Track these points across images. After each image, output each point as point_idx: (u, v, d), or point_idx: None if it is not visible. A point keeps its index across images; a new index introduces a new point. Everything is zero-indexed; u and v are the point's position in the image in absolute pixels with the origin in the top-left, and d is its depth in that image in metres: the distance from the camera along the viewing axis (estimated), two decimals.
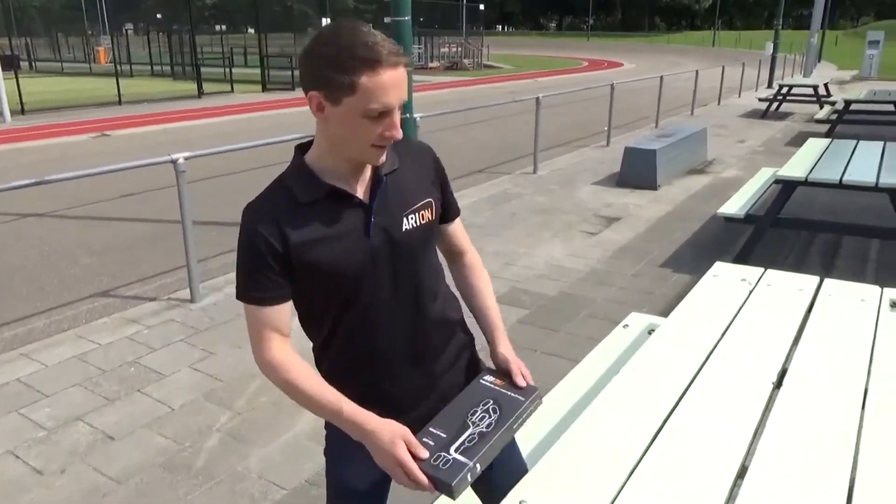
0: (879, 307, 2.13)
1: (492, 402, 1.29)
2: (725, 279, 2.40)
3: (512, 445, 1.46)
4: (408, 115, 5.18)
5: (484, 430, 1.22)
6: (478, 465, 1.17)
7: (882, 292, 2.25)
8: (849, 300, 2.19)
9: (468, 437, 1.20)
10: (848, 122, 10.44)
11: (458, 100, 16.25)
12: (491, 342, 1.44)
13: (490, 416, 1.25)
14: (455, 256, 1.53)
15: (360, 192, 1.27)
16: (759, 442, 1.45)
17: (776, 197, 4.72)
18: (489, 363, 1.43)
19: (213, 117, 13.28)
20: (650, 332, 2.47)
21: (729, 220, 4.83)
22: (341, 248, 1.24)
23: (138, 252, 5.17)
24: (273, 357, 1.25)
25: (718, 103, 14.49)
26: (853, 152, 5.34)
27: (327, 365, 1.37)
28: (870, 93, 11.29)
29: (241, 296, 1.26)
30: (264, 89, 18.51)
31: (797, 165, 4.94)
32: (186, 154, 3.83)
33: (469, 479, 1.15)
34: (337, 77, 1.14)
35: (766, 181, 5.46)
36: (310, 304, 1.32)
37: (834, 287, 2.30)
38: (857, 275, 4.50)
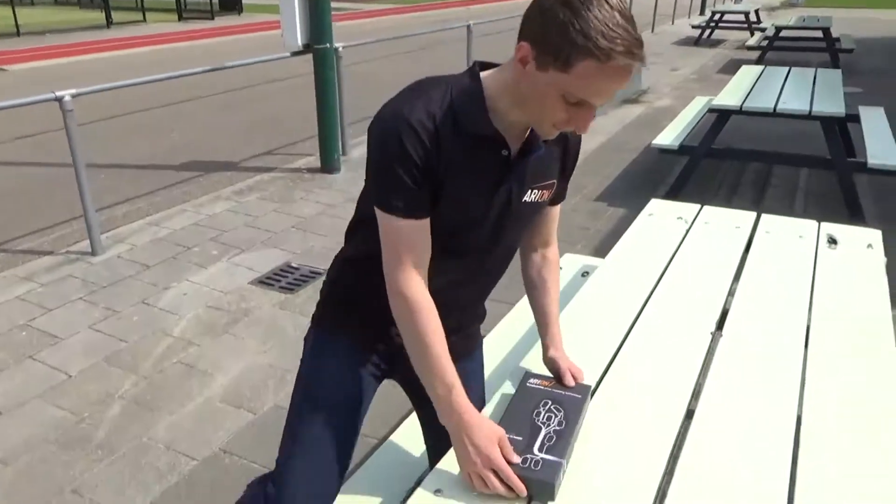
0: (817, 243, 2.04)
1: (550, 402, 1.27)
2: (661, 217, 2.27)
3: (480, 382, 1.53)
4: (328, 44, 4.80)
5: (557, 427, 1.20)
6: (568, 463, 1.14)
7: (819, 227, 2.16)
8: (786, 237, 2.10)
9: (546, 436, 1.17)
10: (778, 49, 10.51)
11: (386, 28, 15.56)
12: (545, 344, 1.42)
13: (556, 415, 1.23)
14: (538, 245, 1.46)
15: (514, 147, 1.19)
16: (704, 384, 1.39)
17: (710, 127, 4.63)
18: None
19: (122, 49, 12.31)
20: (584, 274, 2.34)
21: (663, 151, 4.74)
22: (474, 189, 1.18)
23: (33, 201, 4.70)
24: (408, 289, 1.16)
25: (653, 31, 14.34)
26: (785, 80, 5.30)
27: (359, 272, 1.31)
28: (799, 19, 11.37)
29: (383, 205, 1.15)
30: (180, 18, 17.23)
31: (731, 94, 4.86)
32: (73, 91, 3.40)
33: (562, 477, 1.11)
34: (558, 45, 1.01)
35: (700, 110, 5.39)
36: None
37: (771, 223, 2.20)
38: (787, 205, 4.51)
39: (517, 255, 1.44)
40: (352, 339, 1.35)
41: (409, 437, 1.66)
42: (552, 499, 1.07)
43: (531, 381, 1.34)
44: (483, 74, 1.17)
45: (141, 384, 2.62)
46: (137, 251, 3.79)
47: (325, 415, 1.32)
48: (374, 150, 1.13)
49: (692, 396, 1.36)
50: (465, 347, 1.45)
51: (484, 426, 1.12)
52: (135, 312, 3.14)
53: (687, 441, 1.24)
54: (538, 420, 1.21)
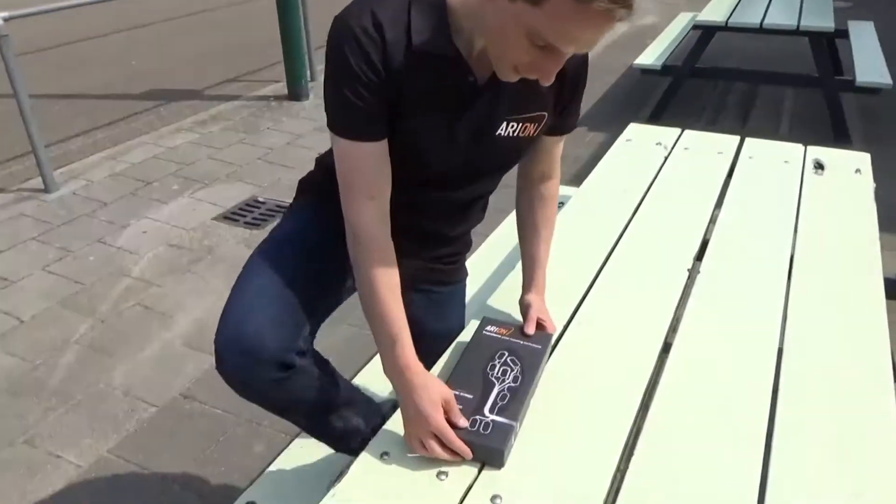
0: (803, 169, 1.93)
1: (507, 353, 1.15)
2: (639, 143, 2.14)
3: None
4: None
5: (512, 384, 1.08)
6: (521, 425, 1.03)
7: (805, 152, 2.04)
8: (771, 162, 1.98)
9: (498, 394, 1.06)
10: None
11: None
12: (524, 285, 1.30)
13: (512, 369, 1.12)
14: (535, 178, 1.31)
15: (483, 74, 1.03)
16: (682, 317, 1.33)
17: (694, 45, 4.43)
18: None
19: None
20: (559, 205, 2.22)
21: (646, 71, 4.55)
22: (435, 119, 1.05)
23: None
24: (359, 221, 1.04)
25: None
26: None
27: (328, 182, 1.11)
28: None
29: (331, 125, 1.03)
30: None
31: (716, 9, 4.63)
32: (5, 14, 3.12)
33: (513, 442, 1.00)
34: None
35: (685, 28, 5.15)
36: None
37: (755, 148, 2.07)
38: (773, 127, 4.38)
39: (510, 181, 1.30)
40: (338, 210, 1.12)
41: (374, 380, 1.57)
42: (501, 465, 0.98)
43: (488, 328, 1.22)
44: None
45: (98, 328, 2.51)
46: (94, 187, 3.60)
47: (277, 244, 1.18)
48: (326, 63, 1.01)
49: (669, 329, 1.30)
50: (445, 275, 1.38)
51: (429, 386, 1.00)
52: (91, 252, 2.99)
53: (663, 376, 1.17)
54: (492, 374, 1.11)
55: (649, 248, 1.57)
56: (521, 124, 1.11)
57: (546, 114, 1.14)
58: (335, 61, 0.97)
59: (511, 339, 1.19)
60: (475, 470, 0.98)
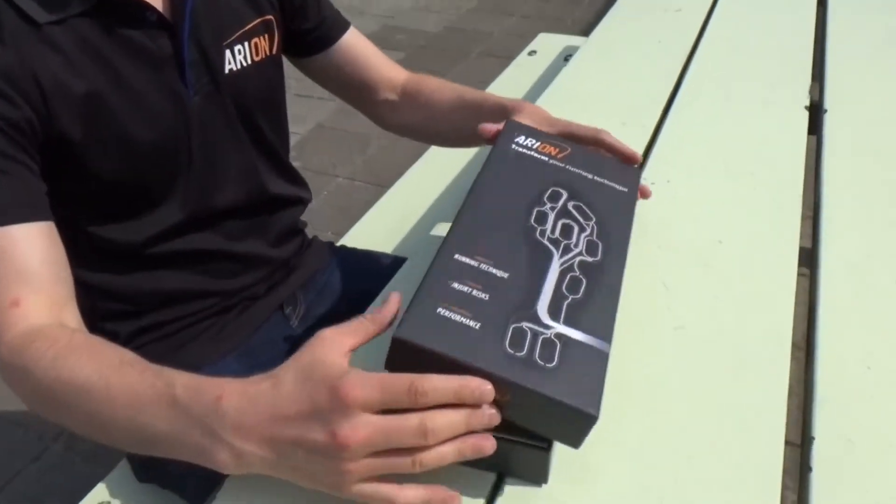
0: None
1: (565, 193, 0.61)
2: None
3: None
4: None
5: (587, 257, 0.55)
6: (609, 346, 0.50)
7: None
8: None
9: (564, 278, 0.53)
10: None
11: None
12: (507, 105, 0.83)
13: (582, 226, 0.58)
14: (380, 92, 0.98)
15: (159, 2, 0.70)
16: None
17: None
18: None
19: None
20: (566, 58, 1.91)
21: None
22: (133, 103, 0.69)
23: None
24: (11, 347, 0.58)
25: None
26: None
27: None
28: None
29: None
30: None
31: None
32: None
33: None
34: None
35: None
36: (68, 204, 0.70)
37: None
38: None
39: None
40: None
41: None
42: (578, 445, 0.49)
43: (519, 139, 0.66)
44: None
45: None
46: None
47: None
48: None
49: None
50: (303, 263, 0.99)
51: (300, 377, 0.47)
52: None
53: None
54: (542, 233, 0.56)
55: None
56: (245, 45, 0.79)
57: (270, 16, 0.82)
58: None
59: (569, 168, 0.65)
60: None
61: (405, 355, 0.47)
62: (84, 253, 0.72)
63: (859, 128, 1.05)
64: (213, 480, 0.55)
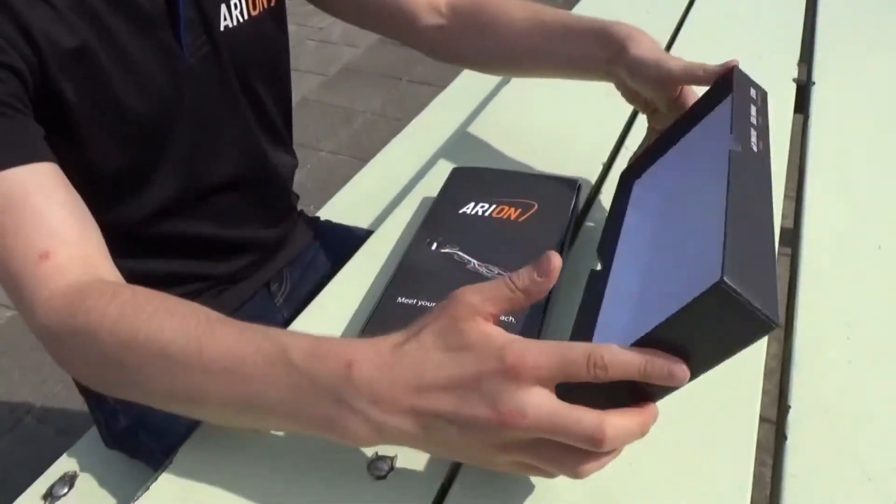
0: None
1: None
2: None
3: None
4: None
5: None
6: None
7: None
8: None
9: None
10: None
11: None
12: (610, 29, 0.71)
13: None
14: (421, 16, 0.82)
15: None
16: None
17: None
18: None
19: None
20: None
21: None
22: (124, 65, 0.64)
23: None
24: (57, 297, 0.50)
25: None
26: None
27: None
28: None
29: None
30: None
31: None
32: None
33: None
34: None
35: None
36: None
37: None
38: None
39: None
40: None
41: None
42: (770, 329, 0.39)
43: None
44: None
45: None
46: None
47: None
48: None
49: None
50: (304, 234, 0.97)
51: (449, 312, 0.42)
52: None
53: None
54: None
55: None
56: None
57: None
58: None
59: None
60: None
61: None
62: None
63: (846, 103, 1.03)
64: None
